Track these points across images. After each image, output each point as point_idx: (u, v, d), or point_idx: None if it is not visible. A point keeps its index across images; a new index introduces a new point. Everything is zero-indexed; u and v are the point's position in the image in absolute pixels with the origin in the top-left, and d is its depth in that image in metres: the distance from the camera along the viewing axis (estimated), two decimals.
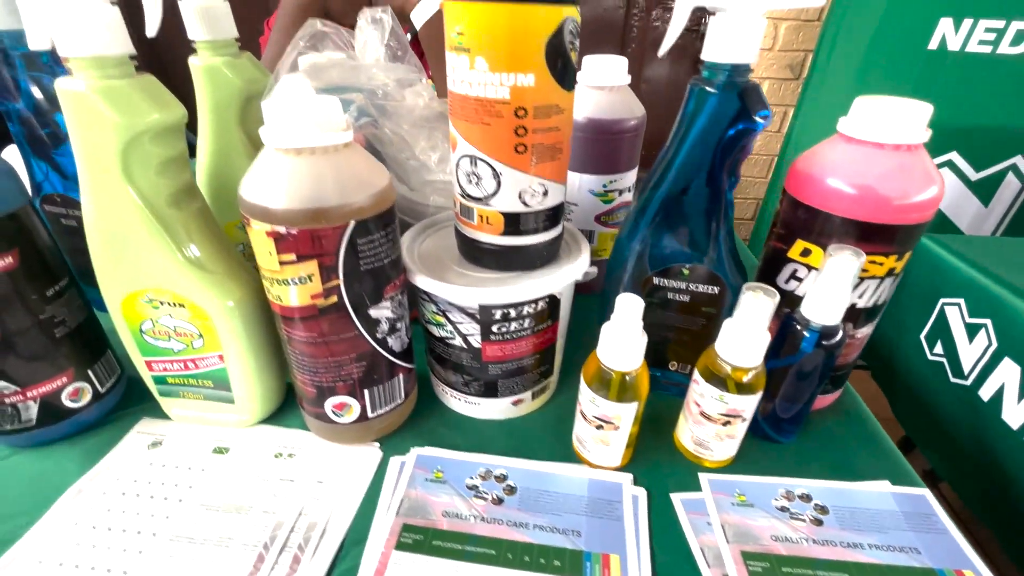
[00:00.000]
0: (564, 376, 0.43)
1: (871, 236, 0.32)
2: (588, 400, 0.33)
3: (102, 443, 0.37)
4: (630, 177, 0.49)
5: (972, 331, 0.67)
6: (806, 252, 0.35)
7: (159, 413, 0.39)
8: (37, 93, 0.41)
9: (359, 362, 0.33)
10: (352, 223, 0.28)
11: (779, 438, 0.38)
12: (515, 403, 0.39)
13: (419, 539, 0.31)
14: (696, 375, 0.34)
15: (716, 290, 0.36)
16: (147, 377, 0.37)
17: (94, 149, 0.28)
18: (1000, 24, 1.19)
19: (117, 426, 0.38)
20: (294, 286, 0.29)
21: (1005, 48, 1.22)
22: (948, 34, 1.24)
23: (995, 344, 0.64)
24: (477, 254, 0.35)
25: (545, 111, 0.29)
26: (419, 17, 0.65)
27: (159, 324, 0.34)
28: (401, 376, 0.36)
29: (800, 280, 0.36)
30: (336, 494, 0.33)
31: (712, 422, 0.34)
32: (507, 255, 0.34)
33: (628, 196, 0.50)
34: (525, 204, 0.32)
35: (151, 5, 0.33)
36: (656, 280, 0.37)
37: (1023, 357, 0.60)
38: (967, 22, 1.22)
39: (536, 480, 0.35)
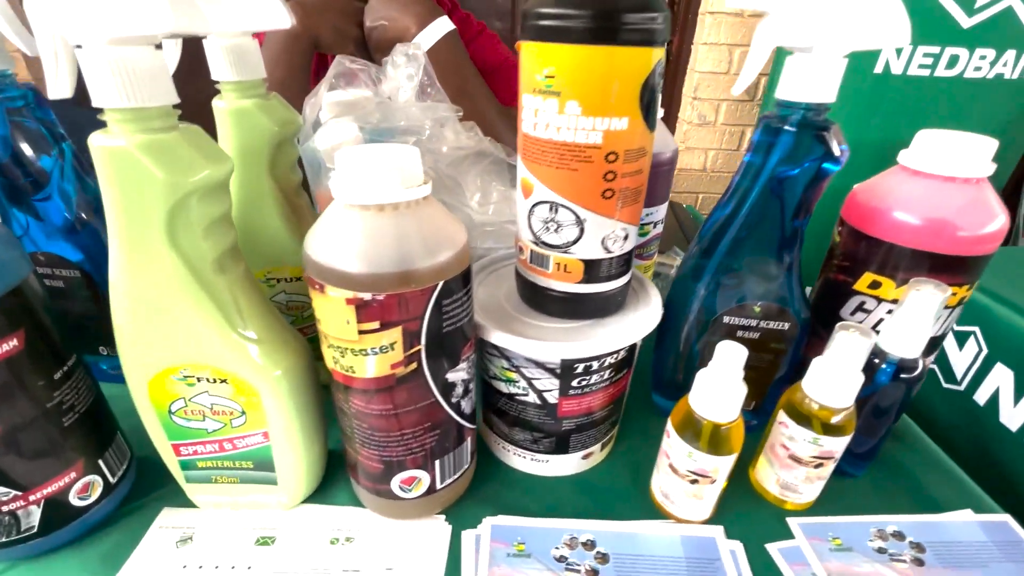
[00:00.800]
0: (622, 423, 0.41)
1: (944, 268, 0.32)
2: (683, 454, 0.31)
3: (120, 545, 0.31)
4: (663, 210, 0.48)
5: (961, 339, 0.70)
6: (875, 284, 0.34)
7: (181, 500, 0.34)
8: (19, 138, 0.36)
9: (432, 432, 0.29)
10: (440, 284, 0.25)
11: (852, 472, 0.37)
12: (585, 457, 0.36)
13: None
14: (783, 417, 0.33)
15: (786, 326, 0.35)
16: (172, 462, 0.32)
17: (134, 211, 0.24)
18: (936, 50, 1.30)
19: (134, 521, 0.33)
20: (373, 356, 0.26)
21: (941, 71, 1.33)
22: (892, 59, 1.34)
23: (985, 350, 0.67)
24: (548, 303, 0.32)
25: (634, 155, 0.28)
26: (426, 41, 0.63)
27: (192, 403, 0.29)
28: (469, 440, 0.33)
29: (868, 312, 0.36)
30: None
31: (803, 465, 0.32)
32: (584, 303, 0.32)
33: (660, 229, 0.49)
34: (607, 251, 0.30)
35: (172, 47, 0.30)
36: (726, 319, 0.36)
37: (1015, 362, 0.63)
38: (907, 49, 1.32)
39: (626, 543, 0.32)
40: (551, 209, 0.29)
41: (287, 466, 0.32)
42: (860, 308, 0.36)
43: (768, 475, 0.35)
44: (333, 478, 0.36)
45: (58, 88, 0.23)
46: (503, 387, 0.33)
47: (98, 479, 0.32)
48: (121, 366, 0.28)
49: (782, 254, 0.34)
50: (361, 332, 0.25)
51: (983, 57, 1.29)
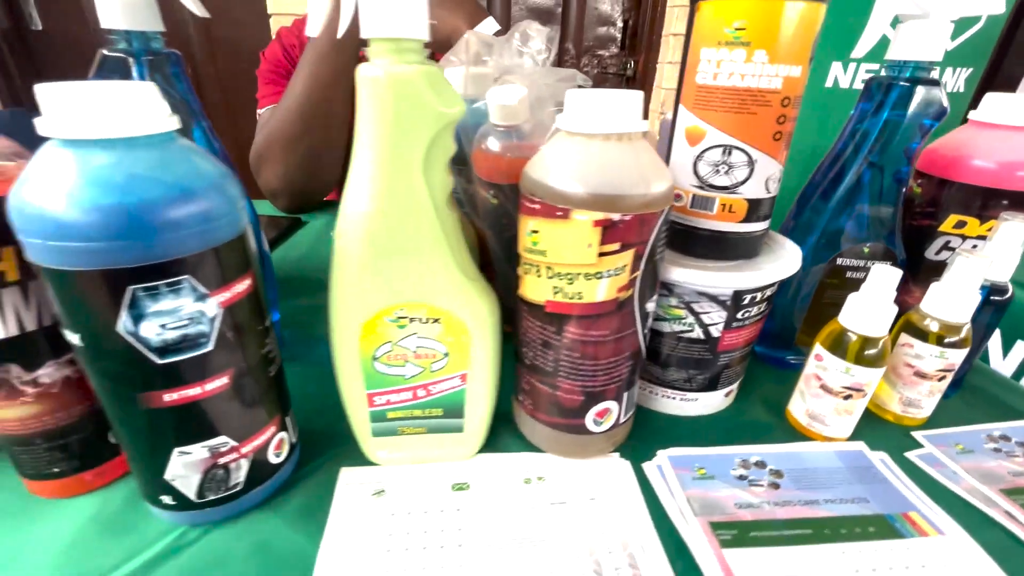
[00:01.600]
0: None
1: (1020, 204, 0.38)
2: (839, 371, 0.34)
3: (312, 502, 0.31)
4: None
5: None
6: (960, 224, 0.40)
7: (355, 461, 0.33)
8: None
9: (628, 362, 0.31)
10: (667, 209, 0.28)
11: (949, 392, 0.42)
12: (727, 395, 0.39)
13: (734, 534, 0.29)
14: (906, 339, 0.37)
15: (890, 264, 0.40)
16: (360, 417, 0.32)
17: (400, 140, 0.25)
18: (876, 67, 1.48)
19: (312, 482, 0.32)
20: (606, 279, 0.27)
21: None
22: (839, 75, 1.50)
23: None
24: (704, 244, 0.35)
25: (797, 100, 0.32)
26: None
27: (399, 346, 0.30)
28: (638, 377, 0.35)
29: (952, 250, 0.41)
30: (618, 509, 0.31)
31: (928, 380, 0.37)
32: (739, 243, 0.35)
33: None
34: (767, 190, 0.34)
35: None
36: (840, 261, 0.40)
37: None
38: (852, 66, 1.49)
39: (791, 460, 0.35)
40: (724, 152, 0.32)
41: (476, 410, 0.33)
42: (945, 247, 0.41)
43: (891, 396, 0.39)
44: (495, 431, 0.36)
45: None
46: (666, 327, 0.36)
47: (286, 436, 0.31)
48: (333, 317, 0.29)
49: (888, 201, 0.39)
50: (601, 254, 0.27)
51: None
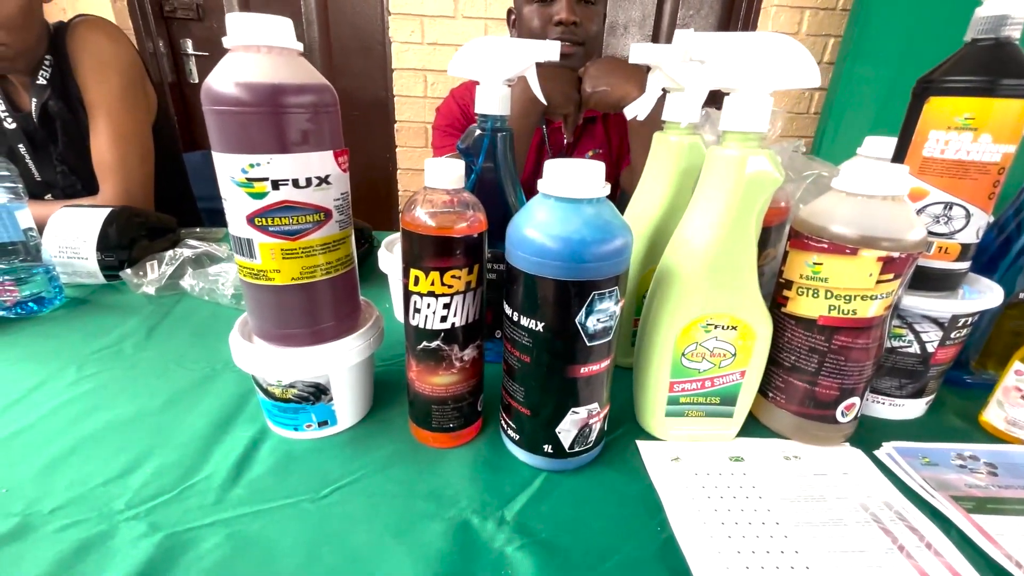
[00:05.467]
0: None
1: None
2: None
3: (620, 463, 0.41)
4: (289, 162, 0.34)
5: None
6: None
7: (638, 436, 0.43)
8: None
9: (875, 365, 0.41)
10: (922, 250, 0.37)
11: None
12: (927, 403, 0.47)
13: (974, 504, 0.37)
14: (1020, 366, 0.45)
15: None
16: (659, 399, 0.42)
17: (746, 199, 0.36)
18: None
19: (620, 449, 0.42)
20: (878, 300, 0.37)
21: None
22: None
23: None
24: (918, 278, 0.44)
25: (1009, 167, 0.41)
26: (636, 111, 0.78)
27: (701, 346, 0.40)
28: None
29: None
30: (871, 481, 0.39)
31: None
32: (949, 278, 0.44)
33: (291, 192, 0.35)
34: (976, 236, 0.43)
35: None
36: (1022, 295, 0.48)
37: None
38: None
39: (999, 457, 0.42)
40: (946, 208, 0.42)
41: (745, 401, 0.42)
42: None
43: (997, 414, 0.45)
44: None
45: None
46: (887, 343, 0.45)
47: (608, 412, 0.41)
48: (658, 319, 0.39)
49: None
50: (878, 281, 0.37)
51: None
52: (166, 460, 0.39)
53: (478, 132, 0.46)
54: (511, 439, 0.40)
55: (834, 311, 0.39)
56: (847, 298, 0.38)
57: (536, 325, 0.34)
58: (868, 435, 0.45)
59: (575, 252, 0.32)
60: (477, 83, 0.45)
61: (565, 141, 0.95)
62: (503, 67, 0.44)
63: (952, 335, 0.43)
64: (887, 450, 0.43)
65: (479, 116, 0.46)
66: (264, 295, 0.38)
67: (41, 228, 0.63)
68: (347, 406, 0.42)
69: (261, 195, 0.35)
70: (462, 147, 0.46)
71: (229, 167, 0.34)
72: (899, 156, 0.44)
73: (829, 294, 0.38)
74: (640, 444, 0.43)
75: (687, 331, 0.39)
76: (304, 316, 0.39)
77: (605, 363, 0.36)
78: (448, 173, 0.35)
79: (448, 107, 0.99)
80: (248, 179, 0.34)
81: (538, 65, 0.46)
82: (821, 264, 0.38)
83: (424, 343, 0.38)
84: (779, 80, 0.34)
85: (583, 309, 0.33)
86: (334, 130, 0.37)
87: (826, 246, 0.38)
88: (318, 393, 0.40)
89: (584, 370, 0.35)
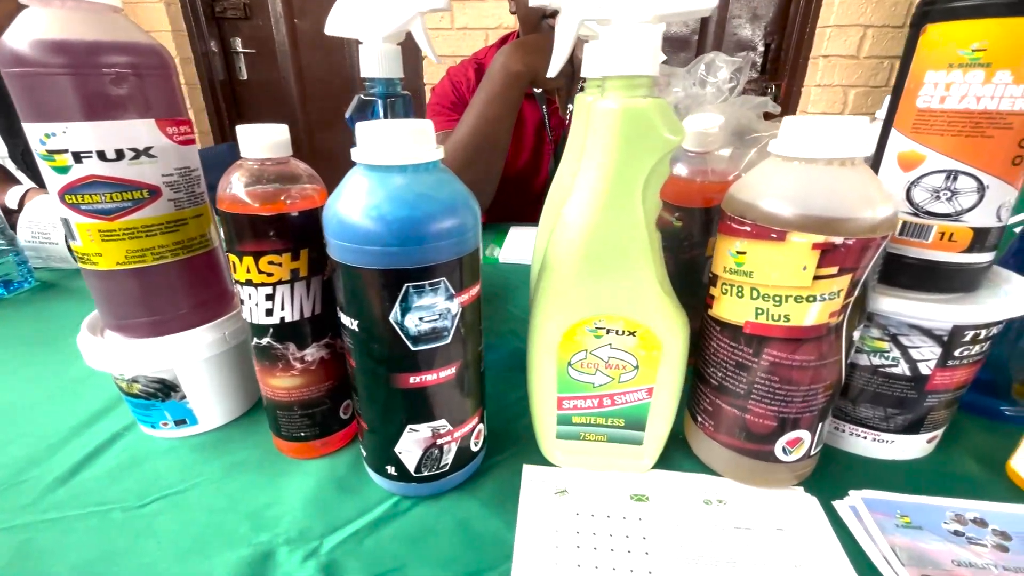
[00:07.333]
0: None
1: None
2: None
3: (501, 490, 0.34)
4: (90, 131, 0.30)
5: None
6: None
7: (533, 459, 0.36)
8: None
9: (826, 392, 0.30)
10: (890, 234, 0.27)
11: None
12: (929, 440, 0.36)
13: None
14: None
15: None
16: (546, 418, 0.34)
17: (624, 166, 0.27)
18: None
19: (498, 474, 0.35)
20: (819, 303, 0.27)
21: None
22: None
23: None
24: (912, 275, 0.33)
25: None
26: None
27: (592, 355, 0.32)
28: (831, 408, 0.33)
29: None
30: (811, 544, 0.30)
31: None
32: (959, 275, 0.32)
33: (97, 166, 0.31)
34: (999, 219, 0.31)
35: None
36: None
37: None
38: None
39: (1017, 523, 0.31)
40: (948, 178, 0.30)
41: (657, 425, 0.34)
42: None
43: None
44: (665, 448, 0.37)
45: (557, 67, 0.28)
46: (862, 359, 0.34)
47: (483, 429, 0.34)
48: (536, 321, 0.32)
49: None
50: (816, 277, 0.27)
51: None
52: (18, 452, 0.37)
53: (364, 99, 0.40)
54: (363, 456, 0.34)
55: (761, 315, 0.29)
56: (776, 299, 0.28)
57: (352, 323, 0.28)
58: (842, 477, 0.35)
59: (376, 233, 0.25)
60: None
61: (567, 121, 0.87)
62: (382, 22, 0.38)
63: (958, 352, 0.32)
64: (853, 500, 0.32)
65: (365, 81, 0.40)
66: (92, 281, 0.35)
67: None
68: (210, 404, 0.39)
69: (63, 169, 0.31)
70: (348, 117, 0.41)
71: (32, 138, 0.31)
72: (890, 115, 0.33)
73: (755, 293, 0.29)
74: (526, 470, 0.35)
75: (571, 335, 0.31)
76: (139, 304, 0.35)
77: (447, 372, 0.29)
78: (262, 139, 0.29)
79: (442, 86, 0.94)
80: (48, 151, 0.31)
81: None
82: (744, 253, 0.29)
83: (255, 339, 0.33)
84: (664, 3, 0.26)
85: (396, 305, 0.26)
86: (162, 97, 0.33)
87: (749, 229, 0.28)
88: (166, 390, 0.37)
89: (414, 380, 0.29)
